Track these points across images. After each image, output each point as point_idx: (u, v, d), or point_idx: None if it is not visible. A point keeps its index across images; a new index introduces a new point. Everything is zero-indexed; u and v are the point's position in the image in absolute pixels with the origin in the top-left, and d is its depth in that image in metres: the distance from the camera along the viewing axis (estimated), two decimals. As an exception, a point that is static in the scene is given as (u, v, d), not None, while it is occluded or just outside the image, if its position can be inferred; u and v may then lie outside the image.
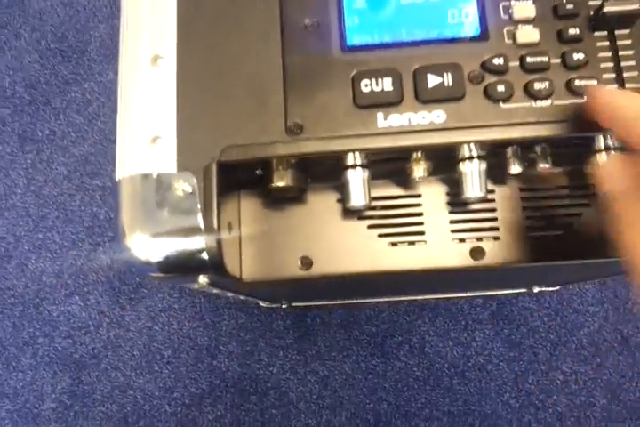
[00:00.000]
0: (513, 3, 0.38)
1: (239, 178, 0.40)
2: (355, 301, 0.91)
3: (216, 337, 0.97)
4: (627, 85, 0.37)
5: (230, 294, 0.57)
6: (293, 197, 0.41)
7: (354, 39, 0.38)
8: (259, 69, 0.37)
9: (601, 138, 0.36)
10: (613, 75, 0.37)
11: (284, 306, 0.89)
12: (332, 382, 0.95)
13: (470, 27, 0.38)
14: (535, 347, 0.93)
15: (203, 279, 0.39)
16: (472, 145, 0.37)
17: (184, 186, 0.36)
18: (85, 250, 1.02)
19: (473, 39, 0.38)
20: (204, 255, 0.36)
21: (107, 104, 1.07)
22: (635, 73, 0.37)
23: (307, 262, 0.42)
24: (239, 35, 0.38)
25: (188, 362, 0.97)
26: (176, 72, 0.37)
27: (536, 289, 0.86)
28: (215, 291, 0.48)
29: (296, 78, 0.37)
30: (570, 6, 0.37)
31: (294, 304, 0.91)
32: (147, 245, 0.36)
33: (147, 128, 0.37)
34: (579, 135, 0.36)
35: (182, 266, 0.37)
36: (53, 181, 1.05)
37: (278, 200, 0.42)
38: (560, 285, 0.85)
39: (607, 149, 0.36)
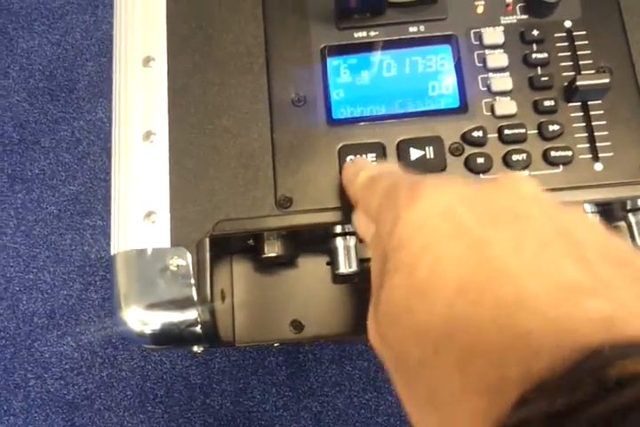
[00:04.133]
0: (491, 75, 0.40)
1: (232, 246, 0.41)
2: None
3: (209, 375, 0.97)
4: (600, 155, 0.38)
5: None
6: (284, 262, 0.42)
7: (339, 113, 0.40)
8: (249, 145, 0.39)
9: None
10: (587, 145, 0.38)
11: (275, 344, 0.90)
12: (325, 419, 0.95)
13: (450, 99, 0.40)
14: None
15: (197, 348, 0.40)
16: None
17: (178, 261, 0.37)
18: (77, 289, 1.02)
19: (453, 111, 0.39)
20: (198, 328, 0.37)
21: (96, 142, 1.08)
22: (607, 142, 0.38)
23: (297, 326, 0.43)
24: (229, 111, 0.39)
25: (181, 401, 0.97)
26: (168, 148, 0.39)
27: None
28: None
29: (285, 153, 0.38)
30: (544, 78, 0.39)
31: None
32: (141, 318, 0.37)
33: (140, 203, 0.38)
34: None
35: (176, 338, 0.38)
36: (44, 220, 1.05)
37: (269, 265, 0.43)
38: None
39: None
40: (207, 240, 0.37)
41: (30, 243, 1.05)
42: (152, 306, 0.37)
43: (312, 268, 0.44)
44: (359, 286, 0.44)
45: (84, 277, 1.03)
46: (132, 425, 0.96)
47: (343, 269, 0.40)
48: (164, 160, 0.39)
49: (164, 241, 0.37)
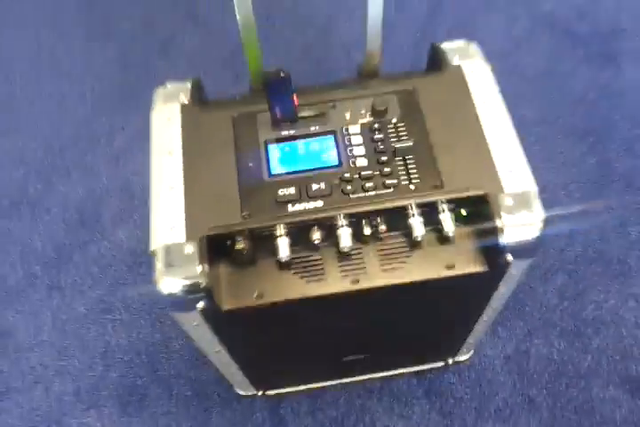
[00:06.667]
0: (354, 148, 0.75)
1: (218, 247, 0.72)
2: (319, 384, 1.16)
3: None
4: (412, 181, 0.72)
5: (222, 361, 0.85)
6: (249, 257, 0.73)
7: (275, 170, 0.74)
8: (226, 188, 0.72)
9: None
10: (406, 176, 0.72)
11: (259, 393, 1.14)
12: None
13: (334, 159, 0.74)
14: (462, 414, 1.17)
15: (200, 305, 0.70)
16: (341, 217, 0.71)
17: (189, 249, 0.68)
18: (99, 371, 1.27)
19: (335, 166, 0.74)
20: (202, 286, 0.67)
21: (117, 257, 1.40)
22: (417, 175, 0.72)
23: (259, 296, 0.72)
24: (216, 174, 0.73)
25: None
26: (184, 193, 0.72)
27: (450, 361, 1.14)
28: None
29: (246, 191, 0.72)
30: (381, 147, 0.74)
31: (267, 393, 1.16)
32: (171, 284, 0.67)
33: (167, 222, 0.70)
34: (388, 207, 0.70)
35: (189, 294, 0.67)
36: (74, 318, 1.33)
37: (241, 259, 0.73)
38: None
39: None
40: (205, 237, 0.69)
41: (63, 337, 1.31)
42: (175, 275, 0.67)
43: (265, 259, 0.74)
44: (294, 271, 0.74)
45: (105, 360, 1.28)
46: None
47: (282, 254, 0.70)
48: (181, 201, 0.72)
49: (182, 239, 0.69)
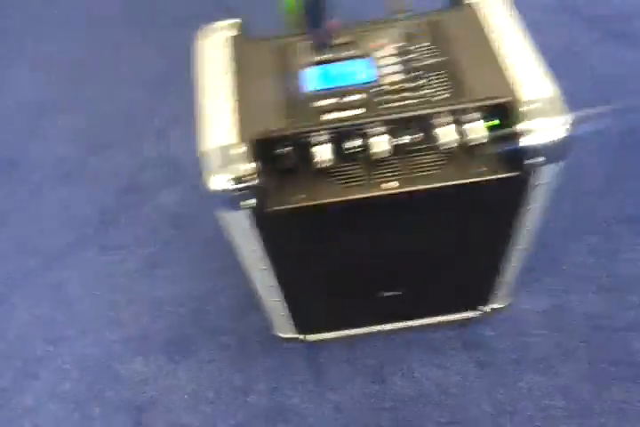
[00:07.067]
0: (389, 65, 0.80)
1: (264, 155, 0.77)
2: (358, 331, 1.19)
3: (248, 379, 1.23)
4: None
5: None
6: (293, 163, 0.78)
7: (315, 87, 0.79)
8: (273, 101, 0.78)
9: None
10: (439, 93, 0.77)
11: (300, 337, 1.18)
12: (343, 407, 1.18)
13: (370, 76, 0.79)
14: (501, 364, 1.18)
15: (251, 202, 0.75)
16: (379, 123, 0.75)
17: (241, 149, 0.74)
18: (147, 322, 1.33)
19: (371, 82, 0.79)
20: (253, 184, 0.73)
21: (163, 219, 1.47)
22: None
23: (303, 199, 0.77)
24: (264, 90, 0.79)
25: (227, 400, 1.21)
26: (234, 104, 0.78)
27: (487, 308, 1.16)
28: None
29: (290, 104, 0.77)
30: (414, 64, 0.79)
31: (307, 338, 1.19)
32: (224, 180, 0.73)
33: (219, 127, 0.76)
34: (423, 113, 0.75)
35: (242, 190, 0.73)
36: (122, 273, 1.40)
37: (286, 166, 0.78)
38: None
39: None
40: (255, 140, 0.74)
41: (112, 290, 1.38)
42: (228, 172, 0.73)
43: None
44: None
45: (153, 312, 1.34)
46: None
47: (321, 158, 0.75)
48: (233, 109, 0.78)
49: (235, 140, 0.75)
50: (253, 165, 0.73)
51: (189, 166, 1.55)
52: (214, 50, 0.86)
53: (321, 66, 0.82)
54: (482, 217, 0.86)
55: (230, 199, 0.75)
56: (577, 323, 1.21)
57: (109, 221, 1.50)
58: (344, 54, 0.83)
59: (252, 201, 0.75)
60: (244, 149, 0.74)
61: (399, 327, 1.20)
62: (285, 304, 1.03)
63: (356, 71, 0.81)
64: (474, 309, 1.18)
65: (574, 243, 1.31)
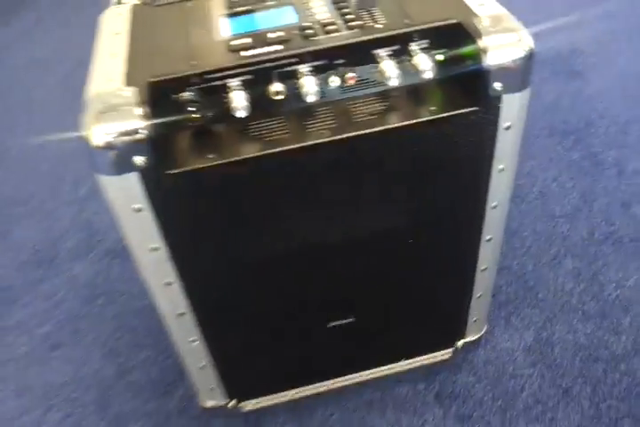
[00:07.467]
0: (315, 7, 0.68)
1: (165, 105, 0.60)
2: (304, 392, 0.94)
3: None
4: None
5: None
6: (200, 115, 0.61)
7: (229, 32, 0.66)
8: (175, 45, 0.63)
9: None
10: (373, 22, 0.64)
11: (230, 404, 0.92)
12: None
13: (293, 18, 0.67)
14: (485, 415, 0.95)
15: (140, 160, 0.57)
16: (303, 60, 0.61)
17: (127, 92, 0.57)
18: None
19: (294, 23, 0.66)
20: (142, 137, 0.55)
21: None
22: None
23: (211, 158, 0.60)
24: (165, 34, 0.65)
25: None
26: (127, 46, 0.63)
27: (460, 343, 0.95)
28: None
29: (196, 47, 0.63)
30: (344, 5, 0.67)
31: (241, 405, 0.93)
32: (104, 132, 0.55)
33: (106, 72, 0.60)
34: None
35: (127, 145, 0.55)
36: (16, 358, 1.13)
37: (191, 119, 0.61)
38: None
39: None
40: (147, 83, 0.58)
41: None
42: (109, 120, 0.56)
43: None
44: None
45: (48, 401, 1.06)
46: None
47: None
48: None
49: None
50: (142, 110, 0.56)
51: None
52: (113, 19, 0.72)
53: (236, 17, 0.69)
54: (440, 182, 0.69)
55: (113, 158, 0.57)
56: (567, 356, 1.01)
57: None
58: (261, 5, 0.70)
59: (142, 159, 0.57)
60: (131, 92, 0.57)
61: (355, 382, 0.96)
62: (205, 343, 0.80)
63: (276, 16, 0.68)
64: (444, 345, 0.96)
65: (550, 268, 1.15)
